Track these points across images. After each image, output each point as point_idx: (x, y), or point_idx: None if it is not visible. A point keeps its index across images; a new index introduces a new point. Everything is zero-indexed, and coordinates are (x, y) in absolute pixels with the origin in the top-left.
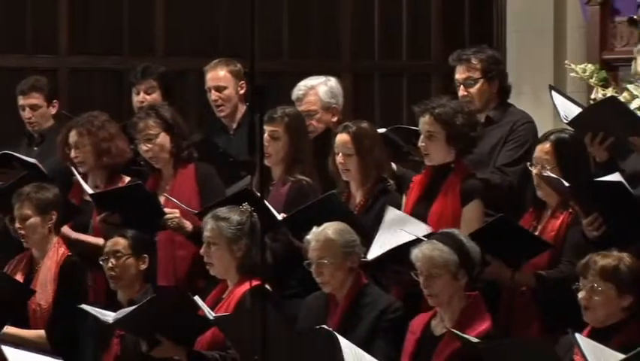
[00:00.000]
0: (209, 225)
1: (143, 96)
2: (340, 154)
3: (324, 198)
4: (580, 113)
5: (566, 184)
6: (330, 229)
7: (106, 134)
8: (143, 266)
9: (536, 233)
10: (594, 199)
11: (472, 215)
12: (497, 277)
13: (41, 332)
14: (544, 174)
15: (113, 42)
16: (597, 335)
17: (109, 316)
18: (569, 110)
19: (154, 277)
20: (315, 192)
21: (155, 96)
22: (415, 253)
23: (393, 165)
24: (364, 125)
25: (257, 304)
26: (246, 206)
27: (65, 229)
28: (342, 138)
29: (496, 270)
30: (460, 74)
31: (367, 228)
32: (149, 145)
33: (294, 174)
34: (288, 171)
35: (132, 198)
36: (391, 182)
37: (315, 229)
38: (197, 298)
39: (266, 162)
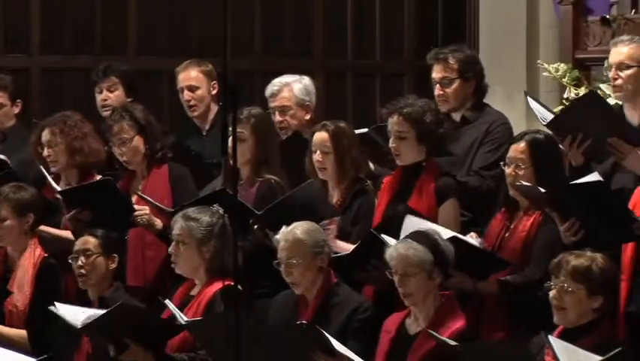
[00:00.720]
0: (178, 224)
1: (105, 94)
2: (318, 152)
3: (304, 187)
4: (559, 113)
5: (543, 190)
6: (299, 228)
7: (79, 133)
8: (113, 265)
9: (508, 233)
10: (572, 203)
11: (448, 214)
12: (460, 287)
13: (23, 332)
14: (518, 183)
15: (84, 42)
16: (567, 336)
17: (77, 321)
18: (545, 115)
19: (123, 276)
20: (284, 192)
21: (118, 94)
22: (390, 252)
23: (371, 165)
24: (342, 124)
25: (228, 305)
26: (217, 207)
27: (44, 227)
28: (320, 136)
29: (458, 281)
30: (436, 73)
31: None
32: (124, 149)
33: (262, 175)
34: (255, 172)
35: (101, 194)
36: (369, 182)
37: (284, 229)
38: (167, 302)
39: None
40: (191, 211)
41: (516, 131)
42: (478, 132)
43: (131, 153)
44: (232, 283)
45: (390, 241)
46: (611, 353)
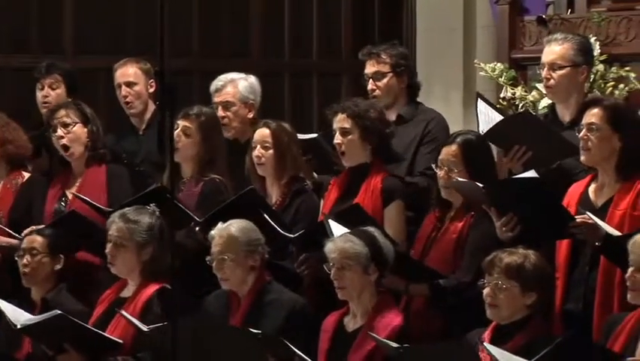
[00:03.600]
0: (117, 225)
1: (47, 91)
2: (258, 147)
3: (244, 194)
4: (493, 127)
5: (480, 185)
6: (234, 225)
7: (6, 125)
8: (58, 266)
9: (439, 234)
10: (509, 198)
11: (393, 215)
12: (392, 288)
13: None
14: (454, 180)
15: (22, 41)
16: (500, 332)
17: (17, 321)
18: (492, 120)
19: (69, 277)
20: (229, 192)
21: (60, 92)
22: (329, 245)
23: (315, 175)
24: (285, 124)
25: (165, 307)
26: (153, 207)
27: None
28: (261, 132)
29: (390, 282)
30: (369, 68)
31: (287, 224)
32: (65, 131)
33: (207, 174)
34: (200, 170)
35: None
36: (308, 182)
37: (219, 225)
38: (124, 313)
39: (175, 157)
40: (129, 212)
41: (453, 130)
42: (416, 131)
43: (72, 136)
44: (168, 286)
45: (336, 229)
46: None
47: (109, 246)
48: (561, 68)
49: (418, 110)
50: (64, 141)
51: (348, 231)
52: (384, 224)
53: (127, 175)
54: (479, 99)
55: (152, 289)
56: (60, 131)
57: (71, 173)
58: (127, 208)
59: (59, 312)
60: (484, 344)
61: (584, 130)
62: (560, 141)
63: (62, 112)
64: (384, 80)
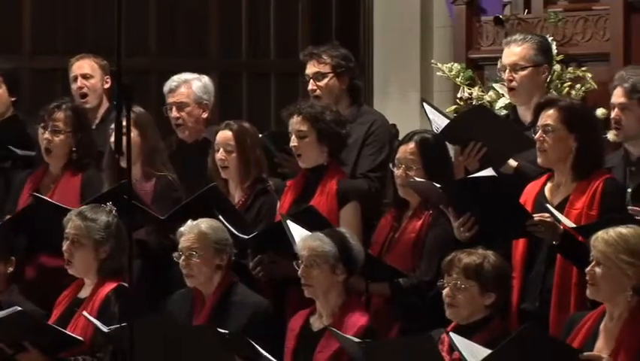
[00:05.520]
0: (74, 223)
1: None
2: (221, 150)
3: (206, 192)
4: (449, 123)
5: (437, 186)
6: (204, 223)
7: None
8: (10, 269)
9: (397, 234)
10: (467, 198)
11: (349, 217)
12: (353, 288)
13: None
14: (412, 180)
15: None
16: (460, 332)
17: None
18: (440, 122)
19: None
20: (180, 189)
21: (1, 92)
22: (299, 243)
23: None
24: (246, 124)
25: (122, 305)
26: (110, 205)
27: None
28: (224, 134)
29: (351, 282)
30: (310, 69)
31: (248, 223)
32: (53, 137)
33: (157, 169)
34: (149, 165)
35: None
36: (270, 183)
37: (189, 222)
38: (85, 313)
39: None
40: (86, 210)
41: (409, 130)
42: (359, 132)
43: (57, 144)
44: (125, 284)
45: (295, 230)
46: (498, 347)
47: (66, 244)
48: (523, 68)
49: (361, 111)
50: (46, 145)
51: (307, 232)
52: (339, 225)
53: (100, 179)
54: (425, 104)
55: (109, 287)
56: (48, 134)
57: (48, 173)
58: (84, 207)
59: (19, 308)
60: (450, 333)
61: (539, 132)
62: (515, 135)
63: (57, 115)
64: (325, 81)
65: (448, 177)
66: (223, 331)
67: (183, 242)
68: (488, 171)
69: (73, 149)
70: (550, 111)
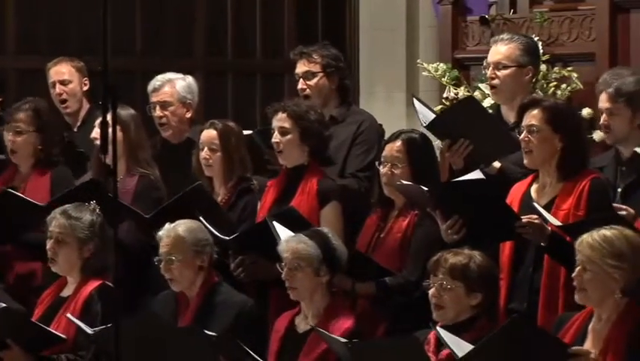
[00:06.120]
0: (58, 221)
1: None
2: (206, 149)
3: (192, 190)
4: (438, 116)
5: (425, 189)
6: (181, 226)
7: None
8: None
9: (383, 233)
10: (454, 201)
11: (330, 216)
12: (339, 287)
13: None
14: (398, 183)
15: None
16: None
17: None
18: (428, 117)
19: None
20: (162, 188)
21: None
22: (282, 245)
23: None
24: (231, 123)
25: (105, 304)
26: (93, 204)
27: None
28: (208, 134)
29: (337, 281)
30: (300, 68)
31: (233, 222)
32: (17, 138)
33: (140, 166)
34: (133, 162)
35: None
36: (255, 182)
37: (167, 226)
38: (69, 316)
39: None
40: (70, 209)
41: (394, 130)
42: (348, 132)
43: (21, 143)
44: (108, 282)
45: (281, 231)
46: (482, 340)
47: (50, 242)
48: (506, 67)
49: (350, 111)
50: (12, 147)
51: (293, 232)
52: (320, 225)
53: (71, 176)
54: (415, 100)
55: (92, 286)
56: (11, 136)
57: (19, 174)
58: (67, 205)
59: (3, 305)
60: (437, 328)
61: (524, 132)
62: (501, 133)
63: (18, 115)
64: (315, 80)
65: (434, 176)
66: (210, 333)
67: (162, 247)
68: (476, 174)
69: (39, 147)
70: (535, 111)
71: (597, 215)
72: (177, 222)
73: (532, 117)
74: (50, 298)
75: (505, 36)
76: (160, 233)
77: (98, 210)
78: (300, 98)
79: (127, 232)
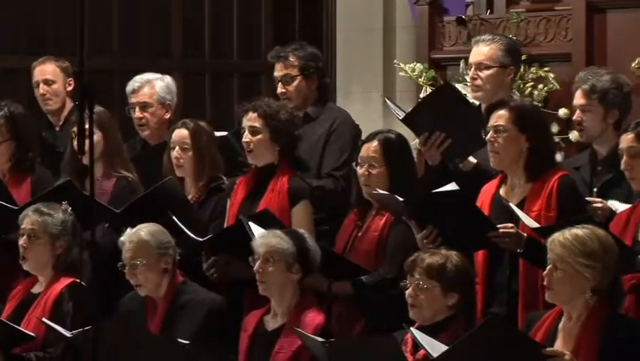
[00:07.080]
0: (31, 218)
1: None
2: (177, 148)
3: (162, 185)
4: (415, 108)
5: (400, 199)
6: (143, 230)
7: None
8: None
9: (360, 233)
10: (430, 211)
11: (301, 216)
12: (315, 287)
13: None
14: (374, 192)
15: None
16: (424, 333)
17: None
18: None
19: None
20: (140, 190)
21: None
22: (257, 240)
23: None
24: (202, 123)
25: (76, 303)
26: (65, 205)
27: None
28: (180, 133)
29: (313, 281)
30: (278, 72)
31: (202, 220)
32: None
33: (118, 169)
34: (110, 165)
35: None
36: (226, 181)
37: (128, 231)
38: (45, 320)
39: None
40: (42, 206)
41: (371, 130)
42: (322, 129)
43: None
44: (78, 281)
45: (256, 230)
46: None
47: (22, 239)
48: (488, 68)
49: (325, 108)
50: None
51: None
52: (292, 224)
53: (51, 177)
54: (387, 100)
55: (63, 283)
56: None
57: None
58: (39, 203)
59: None
60: (411, 329)
61: (490, 132)
62: (479, 121)
63: None
64: (294, 84)
65: (411, 176)
66: (183, 341)
67: (125, 253)
68: (451, 186)
69: (14, 155)
70: (501, 112)
71: (571, 218)
72: (138, 226)
73: (499, 117)
74: (21, 295)
75: (486, 37)
76: (122, 239)
77: (69, 210)
78: (271, 98)
79: (101, 233)
